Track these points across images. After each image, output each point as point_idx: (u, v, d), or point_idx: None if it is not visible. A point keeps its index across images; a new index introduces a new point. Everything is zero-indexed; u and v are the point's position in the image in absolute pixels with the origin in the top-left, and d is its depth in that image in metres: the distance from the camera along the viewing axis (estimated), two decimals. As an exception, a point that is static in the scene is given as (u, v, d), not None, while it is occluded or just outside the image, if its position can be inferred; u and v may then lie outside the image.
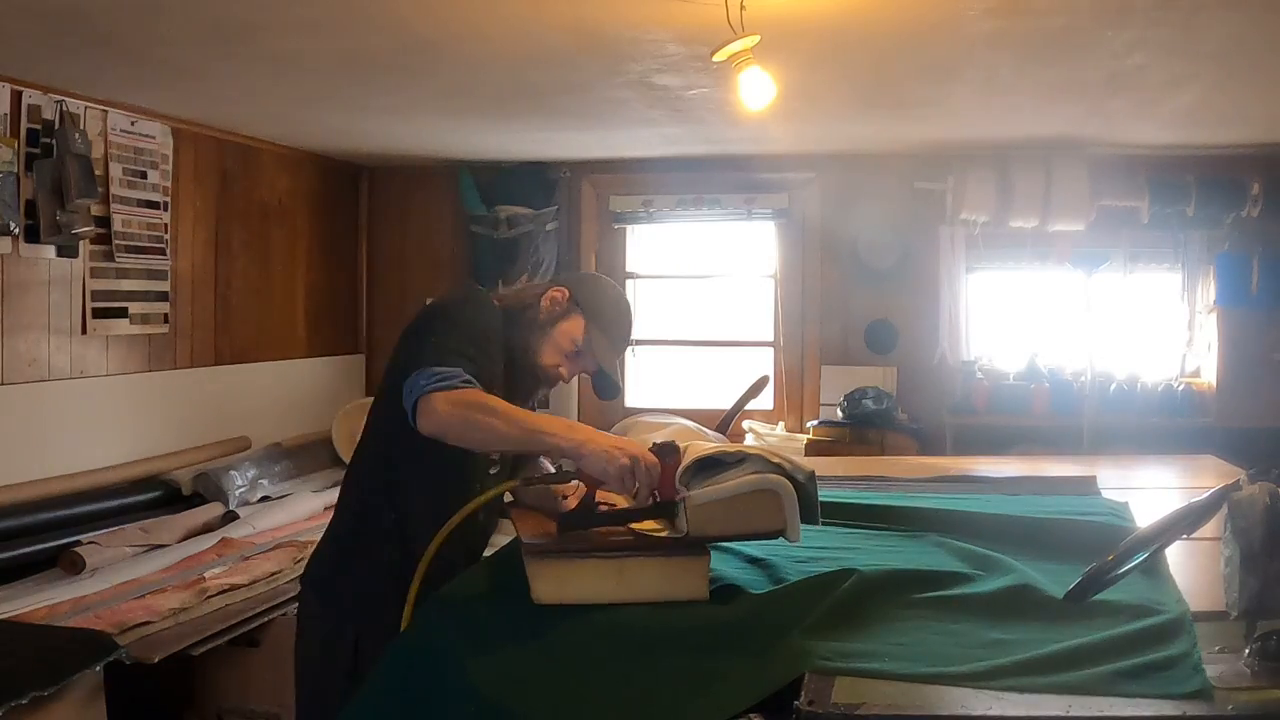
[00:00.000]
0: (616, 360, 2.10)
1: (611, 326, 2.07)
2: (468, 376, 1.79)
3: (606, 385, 2.10)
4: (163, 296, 4.45)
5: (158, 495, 4.21)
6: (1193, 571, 1.82)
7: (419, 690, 1.72)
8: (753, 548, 1.94)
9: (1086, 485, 2.63)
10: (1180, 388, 5.12)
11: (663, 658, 1.62)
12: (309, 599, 2.17)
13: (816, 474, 1.76)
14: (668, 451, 1.74)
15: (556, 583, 1.72)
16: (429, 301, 2.12)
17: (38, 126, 3.75)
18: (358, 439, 2.29)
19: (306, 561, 2.21)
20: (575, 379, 2.28)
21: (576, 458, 1.73)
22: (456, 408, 1.75)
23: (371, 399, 2.41)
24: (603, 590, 1.71)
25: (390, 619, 1.82)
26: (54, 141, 3.77)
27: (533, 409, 2.05)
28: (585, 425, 1.82)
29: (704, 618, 1.66)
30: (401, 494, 2.03)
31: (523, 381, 2.04)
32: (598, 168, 5.66)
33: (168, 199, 4.45)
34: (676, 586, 1.71)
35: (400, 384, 1.83)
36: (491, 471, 2.06)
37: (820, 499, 1.78)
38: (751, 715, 1.46)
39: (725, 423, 4.78)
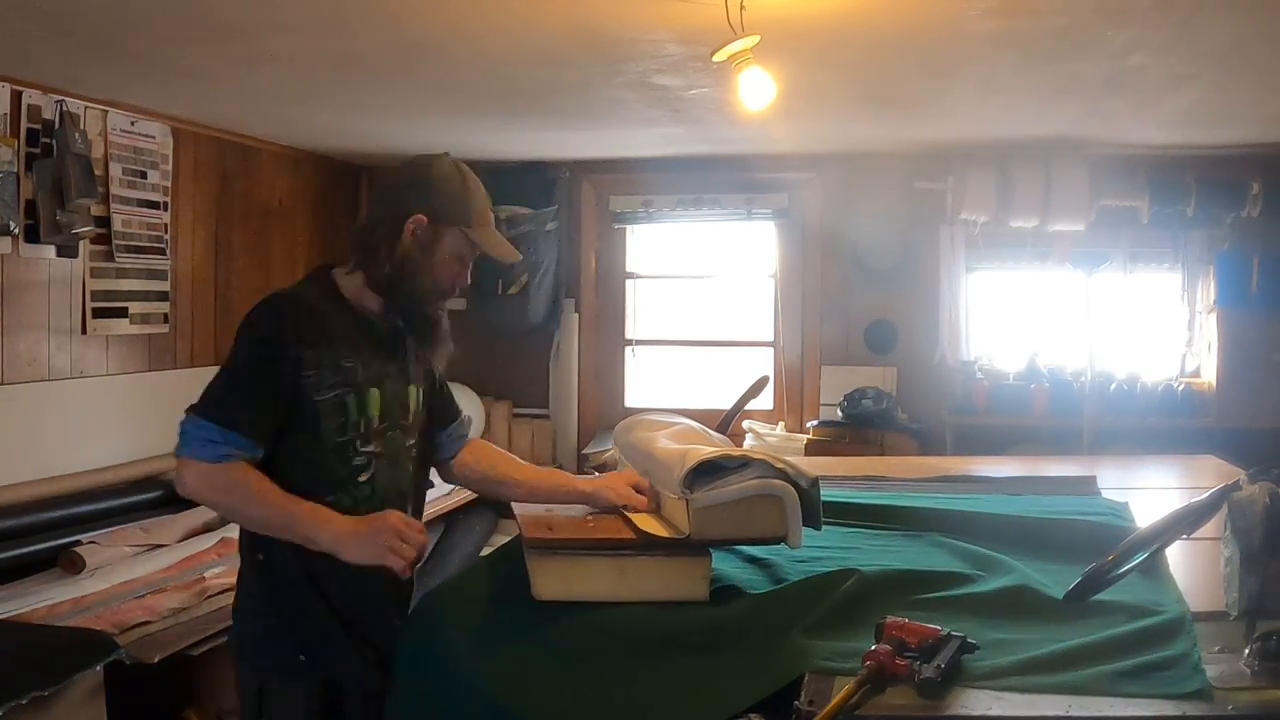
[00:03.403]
0: (503, 240, 1.99)
1: (477, 212, 1.92)
2: (228, 450, 1.73)
3: (500, 260, 2.01)
4: (163, 296, 4.45)
5: (158, 495, 4.21)
6: (1193, 571, 1.82)
7: (426, 688, 1.73)
8: (753, 548, 1.95)
9: (1087, 485, 2.63)
10: (1180, 388, 5.12)
11: (663, 658, 1.62)
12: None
13: (818, 478, 1.76)
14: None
15: (558, 580, 1.73)
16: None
17: (38, 126, 3.74)
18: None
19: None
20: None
21: (337, 553, 1.73)
22: (210, 490, 1.76)
23: None
24: (604, 588, 1.72)
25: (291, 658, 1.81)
26: (54, 141, 3.77)
27: (441, 341, 1.97)
28: (337, 516, 1.76)
29: (704, 618, 1.66)
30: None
31: (424, 325, 1.94)
32: (598, 168, 5.66)
33: (167, 199, 4.45)
34: (677, 587, 1.71)
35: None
36: (361, 479, 1.87)
37: (821, 499, 1.78)
38: (751, 715, 1.47)
39: (725, 423, 4.75)
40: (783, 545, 1.78)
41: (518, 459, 2.19)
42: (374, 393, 1.87)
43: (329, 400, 1.81)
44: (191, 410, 1.77)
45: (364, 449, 1.86)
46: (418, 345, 1.95)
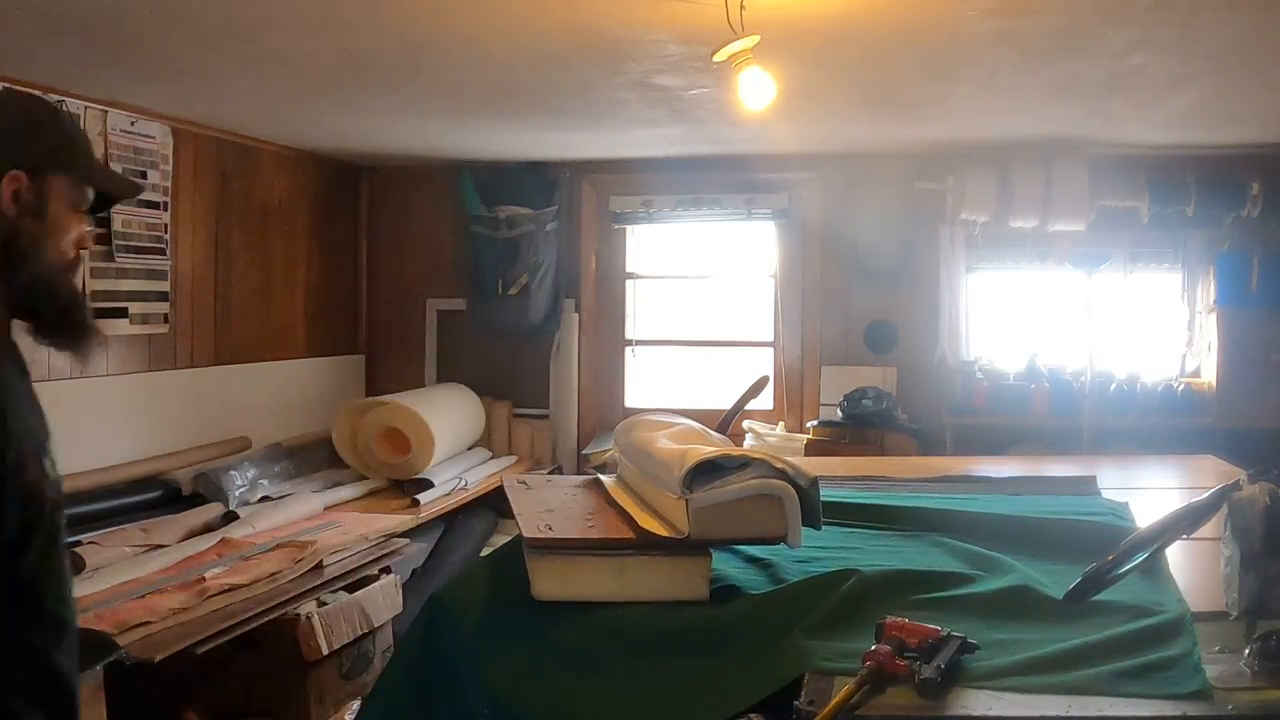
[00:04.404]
0: (119, 175, 1.61)
1: (88, 155, 1.53)
2: None
3: (120, 195, 1.66)
4: (163, 296, 4.45)
5: (158, 495, 4.21)
6: (1193, 571, 1.82)
7: (422, 690, 1.73)
8: (753, 547, 1.95)
9: (1087, 485, 2.63)
10: (1180, 388, 5.12)
11: (664, 658, 1.62)
12: None
13: (818, 478, 1.76)
14: None
15: (557, 579, 1.72)
16: None
17: (38, 126, 3.74)
18: (356, 439, 2.26)
19: None
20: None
21: None
22: None
23: (370, 399, 2.35)
24: (603, 588, 1.72)
25: None
26: (54, 141, 3.76)
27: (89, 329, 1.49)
28: None
29: (704, 618, 1.66)
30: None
31: (67, 310, 1.46)
32: (598, 168, 5.66)
33: (168, 199, 4.45)
34: (677, 587, 1.71)
35: None
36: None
37: (821, 499, 1.78)
38: (751, 715, 1.47)
39: (725, 423, 4.75)
40: (782, 545, 1.78)
41: None
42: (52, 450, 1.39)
43: (53, 500, 1.36)
44: None
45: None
46: (67, 343, 1.50)
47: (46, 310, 1.44)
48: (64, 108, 3.81)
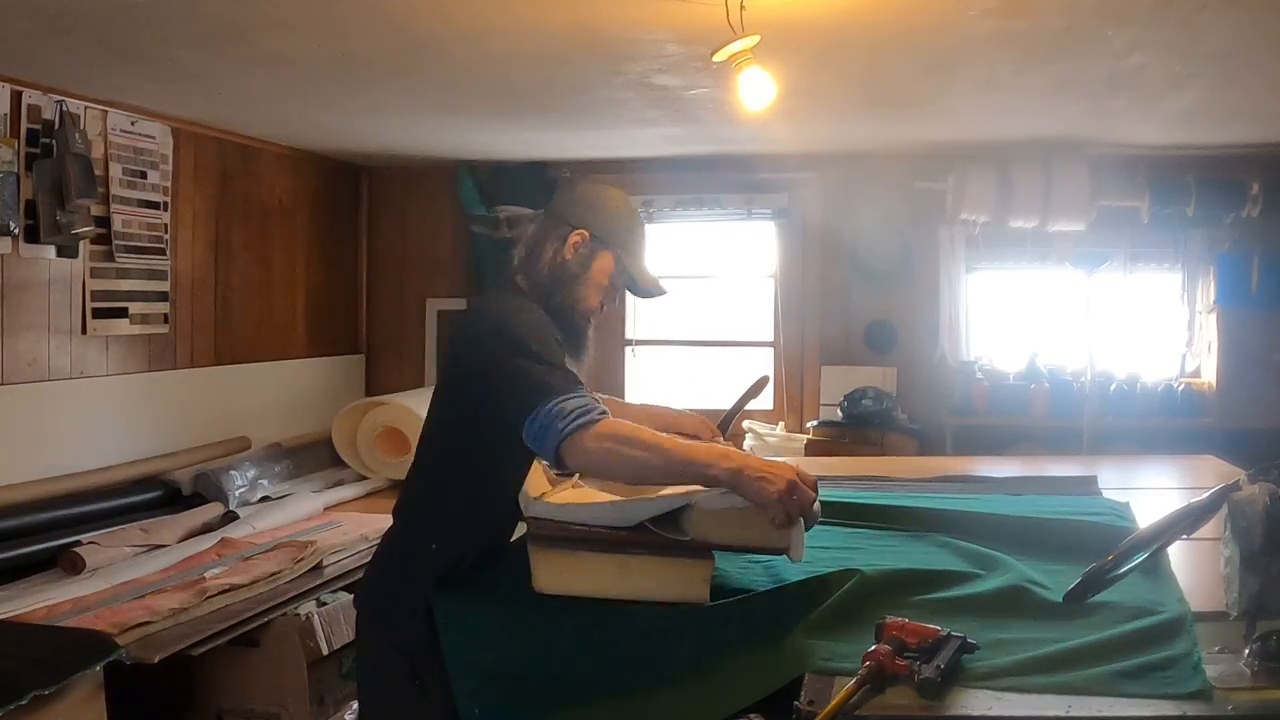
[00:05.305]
0: (651, 274, 2.04)
1: (635, 243, 2.00)
2: (603, 407, 1.73)
3: (644, 291, 2.05)
4: (163, 296, 4.45)
5: (158, 495, 4.21)
6: (1193, 571, 1.82)
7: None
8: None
9: (1088, 485, 2.63)
10: (1180, 388, 5.12)
11: (663, 657, 1.62)
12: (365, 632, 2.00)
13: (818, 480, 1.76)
14: None
15: (558, 572, 1.73)
16: (467, 315, 2.04)
17: (38, 126, 3.74)
18: (356, 439, 2.28)
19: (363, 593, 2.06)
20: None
21: (734, 486, 1.65)
22: (606, 443, 1.68)
23: (370, 399, 2.39)
24: (603, 584, 1.71)
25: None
26: (54, 141, 3.77)
27: (582, 352, 1.99)
28: (735, 450, 1.74)
29: (704, 618, 1.66)
30: (450, 528, 1.89)
31: (574, 335, 1.97)
32: (598, 168, 5.65)
33: (168, 199, 4.45)
34: (676, 587, 1.71)
35: (500, 420, 1.75)
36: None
37: (820, 499, 1.78)
38: (751, 715, 1.47)
39: (725, 423, 4.74)
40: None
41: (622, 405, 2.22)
42: None
43: None
44: (521, 407, 1.71)
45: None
46: (567, 352, 1.95)
47: (562, 326, 1.93)
48: (64, 108, 3.81)
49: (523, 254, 2.01)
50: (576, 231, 1.95)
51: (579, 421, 1.67)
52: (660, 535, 1.71)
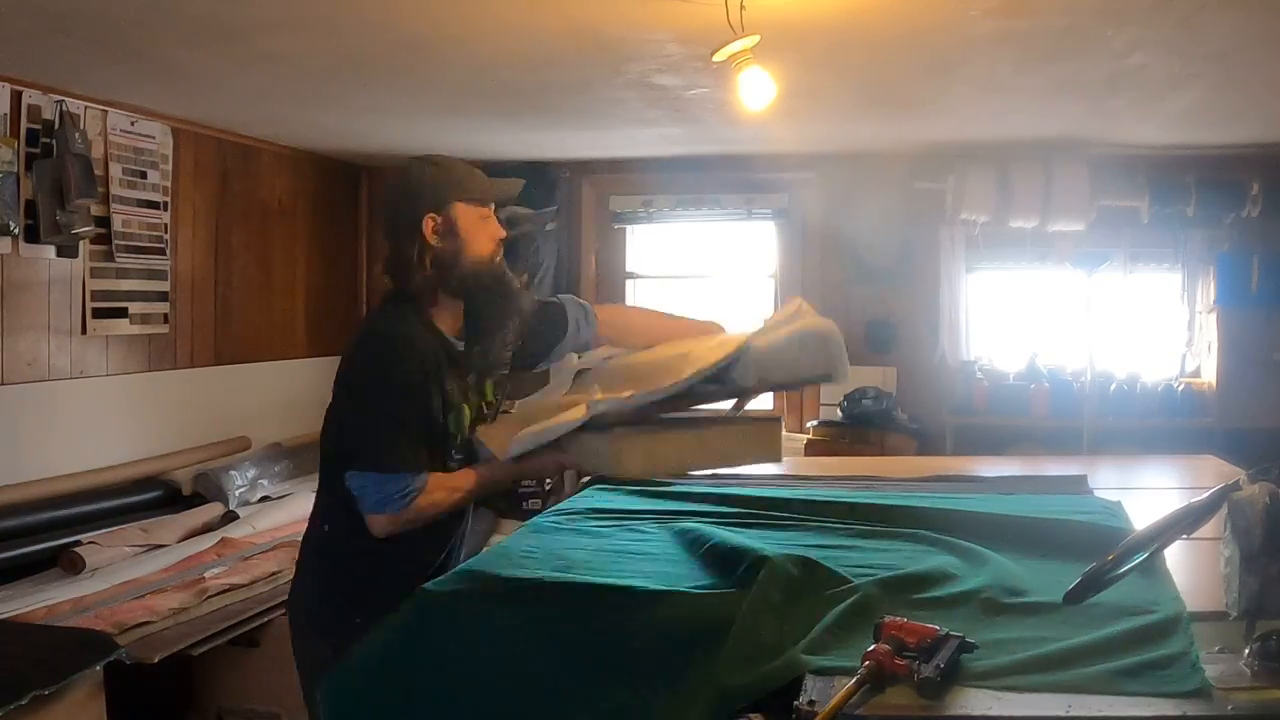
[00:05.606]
0: (499, 183, 2.11)
1: (468, 178, 2.05)
2: (415, 486, 1.92)
3: (504, 197, 2.12)
4: (163, 296, 4.45)
5: (158, 495, 4.21)
6: (1193, 571, 1.82)
7: (417, 685, 1.72)
8: (753, 539, 1.93)
9: (1077, 484, 2.63)
10: (1180, 388, 5.12)
11: (662, 656, 1.62)
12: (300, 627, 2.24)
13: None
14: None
15: (645, 455, 1.79)
16: (350, 345, 2.08)
17: (38, 126, 3.75)
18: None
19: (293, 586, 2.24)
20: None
21: (520, 475, 1.97)
22: (404, 525, 1.94)
23: None
24: (688, 459, 1.81)
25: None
26: (54, 141, 3.77)
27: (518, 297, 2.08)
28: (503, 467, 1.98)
29: (703, 618, 1.66)
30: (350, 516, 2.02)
31: (500, 294, 2.05)
32: (598, 168, 5.66)
33: (168, 199, 4.45)
34: (755, 449, 1.79)
35: (341, 453, 1.97)
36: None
37: (820, 498, 1.79)
38: (751, 715, 1.47)
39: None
40: (783, 543, 1.78)
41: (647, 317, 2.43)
42: (465, 409, 2.06)
43: (447, 421, 2.01)
44: (355, 455, 1.94)
45: (456, 457, 2.06)
46: (498, 316, 2.05)
47: (480, 298, 2.02)
48: (64, 108, 3.81)
49: (394, 273, 2.05)
50: (425, 221, 1.99)
51: (383, 508, 1.92)
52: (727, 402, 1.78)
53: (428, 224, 1.99)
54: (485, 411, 2.13)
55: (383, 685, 1.71)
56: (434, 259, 2.00)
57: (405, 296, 2.04)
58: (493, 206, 2.08)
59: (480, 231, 2.03)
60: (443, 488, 1.96)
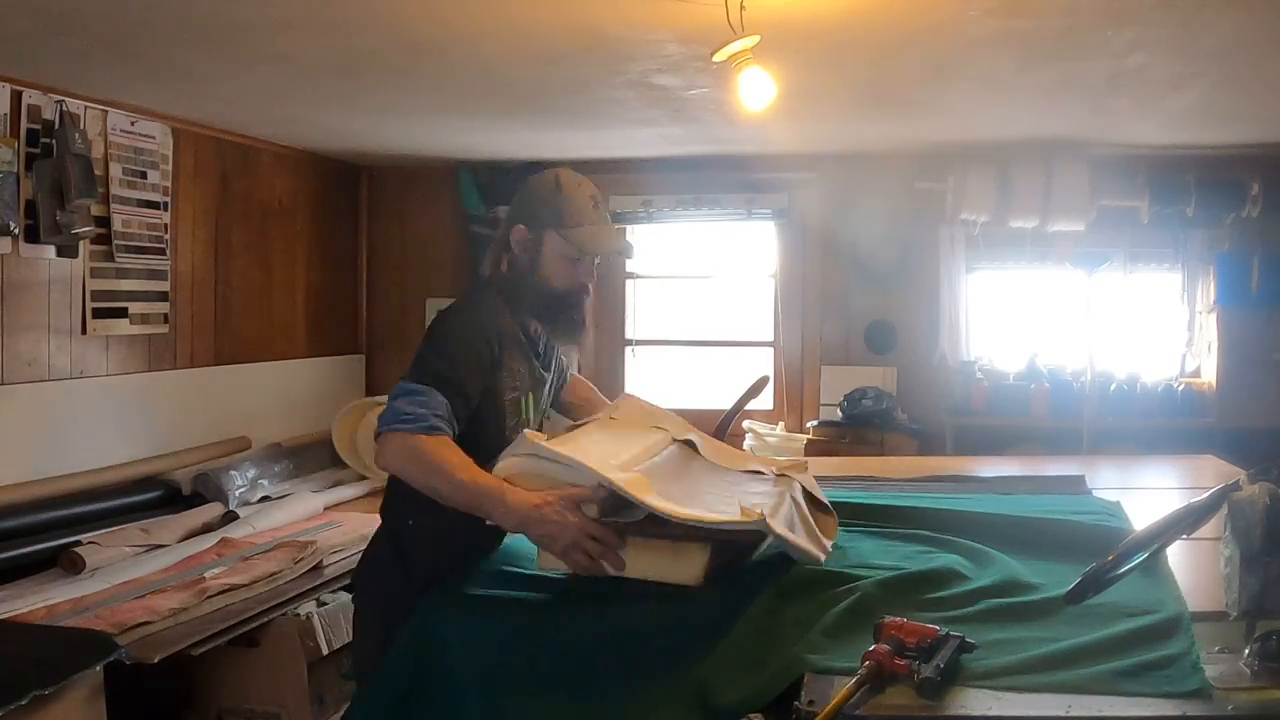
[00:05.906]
0: (604, 235, 2.08)
1: (568, 215, 2.03)
2: (434, 421, 1.82)
3: (601, 253, 2.12)
4: (163, 296, 4.45)
5: (158, 495, 4.21)
6: (1193, 571, 1.82)
7: (423, 684, 1.73)
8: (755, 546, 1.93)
9: (1076, 485, 2.63)
10: (1180, 388, 5.12)
11: (663, 658, 1.62)
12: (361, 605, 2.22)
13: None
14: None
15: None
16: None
17: (38, 126, 3.74)
18: (356, 439, 2.32)
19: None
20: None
21: (522, 530, 1.78)
22: (406, 461, 1.84)
23: (370, 399, 2.44)
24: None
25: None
26: (54, 141, 3.77)
27: (579, 329, 2.11)
28: (530, 493, 1.77)
29: (704, 618, 1.66)
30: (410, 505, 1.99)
31: (563, 317, 2.08)
32: (597, 168, 5.65)
33: (168, 199, 4.45)
34: (671, 570, 1.72)
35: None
36: None
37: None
38: (751, 715, 1.47)
39: (725, 423, 4.74)
40: (784, 544, 1.78)
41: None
42: (532, 396, 2.10)
43: (510, 400, 2.02)
44: (402, 381, 1.88)
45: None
46: (552, 337, 2.14)
47: (543, 317, 2.09)
48: (64, 108, 3.81)
49: (492, 258, 2.14)
50: (516, 228, 2.06)
51: (400, 425, 1.82)
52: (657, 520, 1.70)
53: (516, 231, 2.05)
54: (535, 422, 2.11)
55: (402, 710, 1.72)
56: (511, 263, 2.08)
57: (488, 284, 2.11)
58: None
59: (561, 267, 2.05)
60: (459, 457, 1.82)
